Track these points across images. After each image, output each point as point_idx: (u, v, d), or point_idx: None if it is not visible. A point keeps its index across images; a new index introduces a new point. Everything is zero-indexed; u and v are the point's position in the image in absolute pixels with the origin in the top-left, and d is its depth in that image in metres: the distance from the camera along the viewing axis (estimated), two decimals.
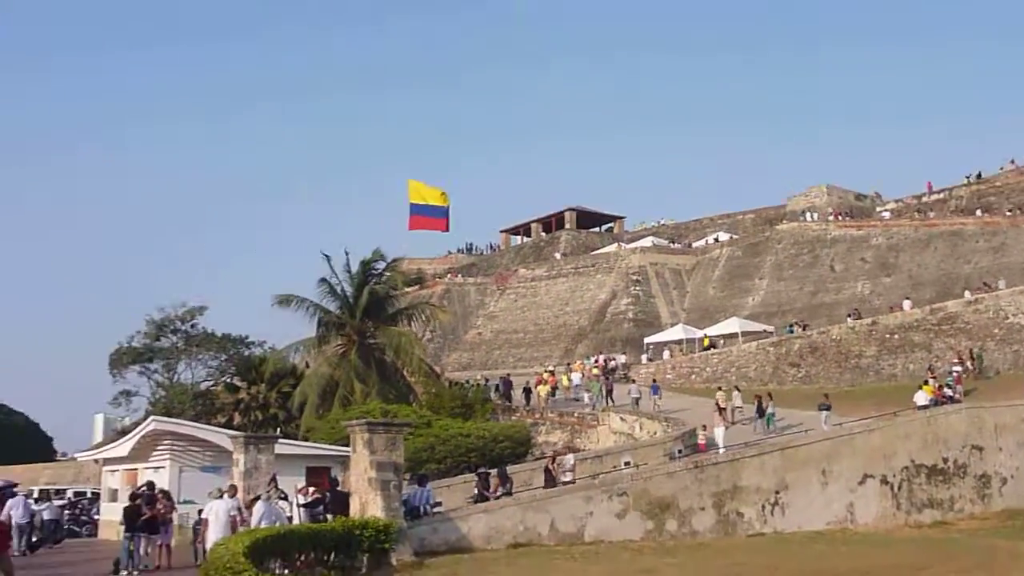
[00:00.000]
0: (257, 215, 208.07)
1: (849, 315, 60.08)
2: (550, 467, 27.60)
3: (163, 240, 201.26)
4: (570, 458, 28.75)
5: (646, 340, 68.92)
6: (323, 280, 46.50)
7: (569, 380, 55.31)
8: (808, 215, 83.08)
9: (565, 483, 26.26)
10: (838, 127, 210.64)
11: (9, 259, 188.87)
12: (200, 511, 23.88)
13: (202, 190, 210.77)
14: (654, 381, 51.97)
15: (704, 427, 35.29)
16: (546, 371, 59.27)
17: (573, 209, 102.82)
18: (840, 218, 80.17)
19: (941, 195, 79.66)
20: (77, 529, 41.44)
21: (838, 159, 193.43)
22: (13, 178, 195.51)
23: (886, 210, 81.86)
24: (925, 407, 34.19)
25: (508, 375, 57.65)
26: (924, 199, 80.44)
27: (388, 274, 49.09)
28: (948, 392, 39.11)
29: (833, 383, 52.49)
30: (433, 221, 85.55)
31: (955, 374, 43.58)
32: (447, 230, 79.99)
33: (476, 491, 26.84)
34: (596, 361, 62.25)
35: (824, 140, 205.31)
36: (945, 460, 29.86)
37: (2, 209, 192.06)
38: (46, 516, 33.70)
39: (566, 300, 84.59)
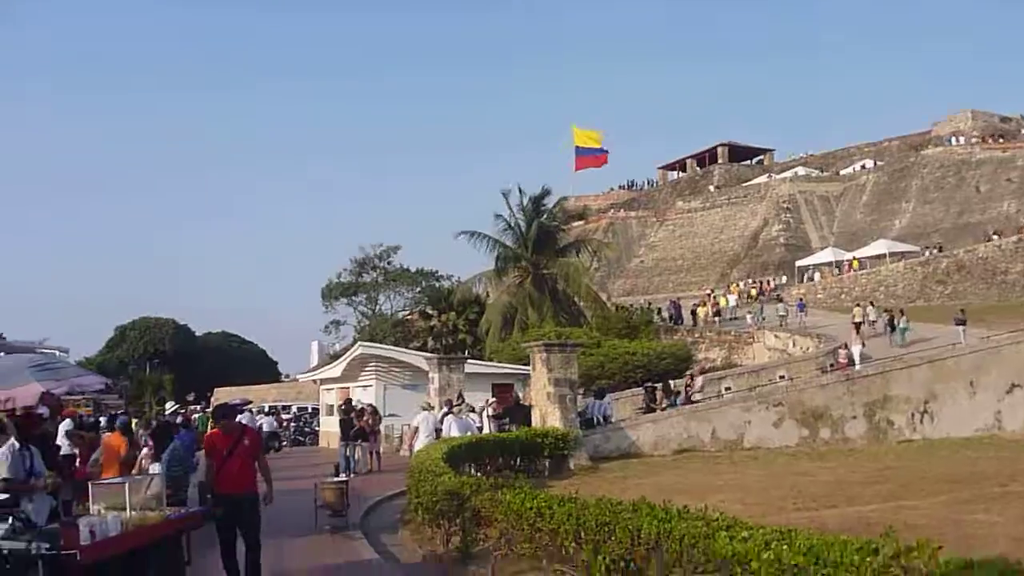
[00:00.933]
0: (438, 163, 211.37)
1: (995, 234, 56.87)
2: (688, 384, 27.81)
3: (360, 186, 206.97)
4: (699, 380, 28.76)
5: (797, 264, 67.17)
6: (499, 217, 46.95)
7: (726, 301, 54.63)
8: (953, 139, 78.55)
9: (695, 401, 26.30)
10: (980, 50, 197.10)
11: (241, 211, 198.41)
12: (410, 424, 24.72)
13: (397, 142, 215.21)
14: (800, 299, 50.80)
15: (844, 345, 34.01)
16: (705, 294, 58.83)
17: (725, 144, 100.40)
18: (987, 141, 75.40)
19: None
20: (301, 439, 43.50)
21: (982, 83, 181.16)
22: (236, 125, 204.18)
23: None
24: None
25: (678, 299, 56.96)
26: None
27: (556, 210, 49.15)
28: None
29: (980, 299, 50.05)
30: (595, 159, 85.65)
31: None
32: (606, 163, 78.96)
33: (644, 403, 27.03)
34: (753, 283, 61.20)
35: (967, 64, 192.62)
36: None
37: (234, 158, 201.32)
38: (265, 428, 34.77)
39: (720, 229, 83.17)
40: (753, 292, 57.00)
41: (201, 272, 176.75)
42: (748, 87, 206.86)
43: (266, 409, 48.27)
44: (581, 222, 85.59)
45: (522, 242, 46.97)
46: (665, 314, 52.19)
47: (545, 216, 47.73)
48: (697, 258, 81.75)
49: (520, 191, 47.64)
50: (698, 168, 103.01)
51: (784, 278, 64.72)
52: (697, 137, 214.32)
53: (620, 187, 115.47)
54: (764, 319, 47.00)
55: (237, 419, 10.43)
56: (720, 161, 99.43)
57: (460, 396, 25.65)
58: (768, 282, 62.83)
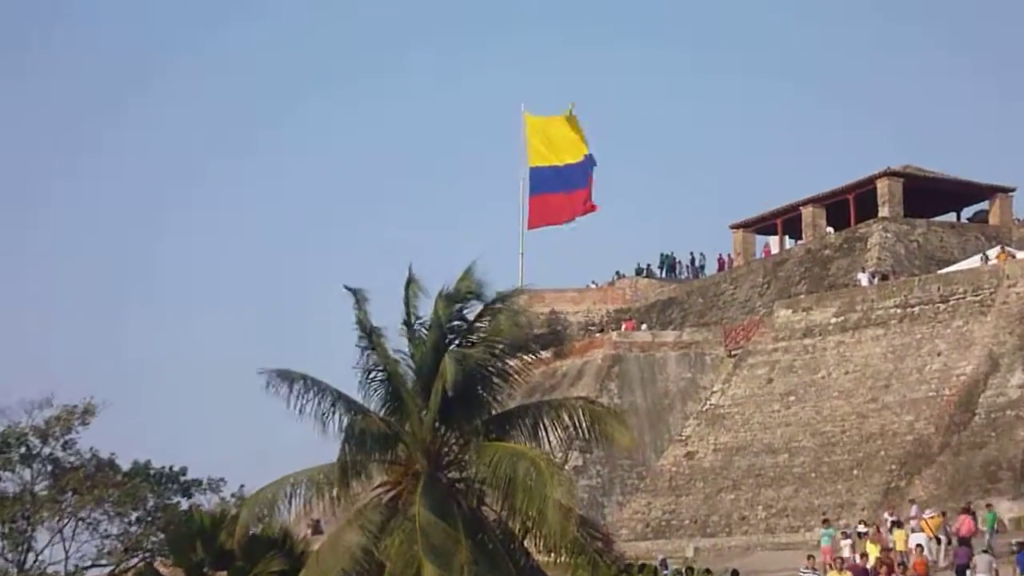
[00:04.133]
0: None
1: None
2: None
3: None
4: None
5: None
6: (363, 340, 46.79)
7: (906, 547, 55.16)
8: None
9: None
10: None
11: None
12: None
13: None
14: (1021, 547, 51.73)
15: None
16: (857, 530, 59.12)
17: (894, 174, 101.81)
18: None
19: None
20: None
21: None
22: None
23: None
24: None
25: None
26: None
27: (486, 324, 49.17)
28: None
29: None
30: (567, 202, 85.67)
31: None
32: (593, 208, 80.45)
33: None
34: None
35: None
36: None
37: None
38: None
39: (884, 377, 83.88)
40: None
41: None
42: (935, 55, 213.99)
43: None
44: (545, 353, 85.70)
45: (404, 403, 46.86)
46: None
47: (460, 341, 47.73)
48: (826, 448, 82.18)
49: (411, 285, 47.66)
50: (830, 229, 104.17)
51: None
52: (832, 162, 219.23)
53: (639, 271, 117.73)
54: None
55: None
56: (885, 211, 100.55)
57: None
58: None
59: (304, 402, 46.51)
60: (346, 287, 47.45)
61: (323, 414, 46.83)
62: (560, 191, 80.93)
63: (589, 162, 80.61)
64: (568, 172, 79.82)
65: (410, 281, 47.01)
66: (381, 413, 47.02)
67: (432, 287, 47.81)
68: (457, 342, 47.63)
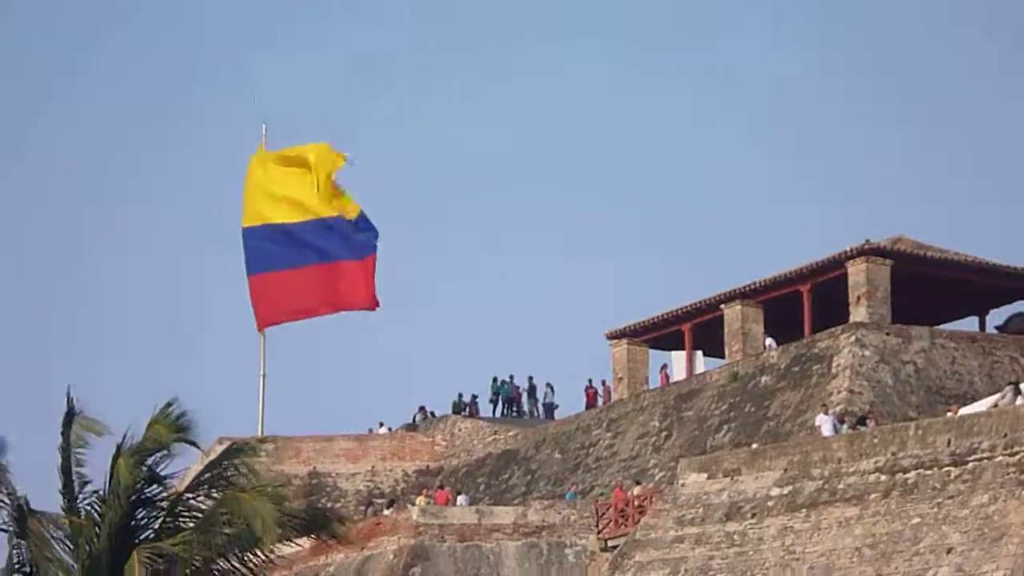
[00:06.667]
0: None
1: None
2: None
3: None
4: None
5: None
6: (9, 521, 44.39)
7: None
8: None
9: None
10: None
11: None
12: None
13: None
14: None
15: None
16: None
17: (877, 251, 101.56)
18: None
19: None
20: None
21: None
22: None
23: None
24: None
25: None
26: None
27: (201, 495, 46.57)
28: None
29: None
30: (318, 281, 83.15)
31: None
32: (373, 305, 78.19)
33: None
34: None
35: None
36: None
37: None
38: None
39: None
40: None
41: None
42: None
43: None
44: (297, 544, 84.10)
45: None
46: None
47: (169, 523, 45.29)
48: None
49: (70, 422, 45.82)
50: (771, 342, 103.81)
51: None
52: (768, 238, 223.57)
53: (459, 408, 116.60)
54: None
55: None
56: (860, 315, 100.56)
57: None
58: None
59: None
60: None
61: None
62: (299, 264, 76.38)
63: (361, 226, 76.24)
64: (318, 233, 75.11)
65: (70, 418, 44.08)
66: None
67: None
68: (153, 530, 44.92)
